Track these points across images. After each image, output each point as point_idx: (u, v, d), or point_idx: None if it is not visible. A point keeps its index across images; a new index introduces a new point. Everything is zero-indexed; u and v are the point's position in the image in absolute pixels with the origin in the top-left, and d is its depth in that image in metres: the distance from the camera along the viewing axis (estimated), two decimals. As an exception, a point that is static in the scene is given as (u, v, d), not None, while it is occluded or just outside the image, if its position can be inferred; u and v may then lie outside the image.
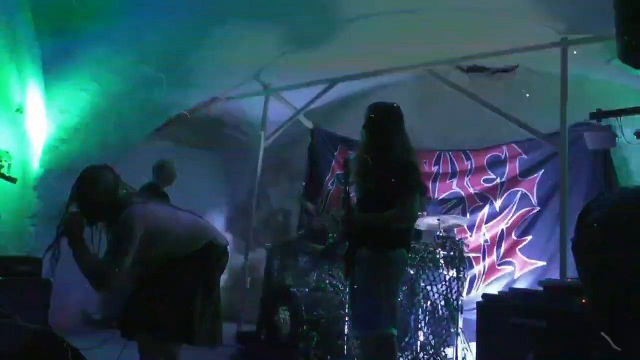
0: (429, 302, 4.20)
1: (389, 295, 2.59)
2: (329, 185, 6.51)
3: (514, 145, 5.43)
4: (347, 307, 4.04)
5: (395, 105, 2.85)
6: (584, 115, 4.66)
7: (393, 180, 2.60)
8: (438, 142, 5.92)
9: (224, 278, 7.60)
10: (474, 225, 5.54)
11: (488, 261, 5.43)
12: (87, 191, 2.45)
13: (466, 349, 4.22)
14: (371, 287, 2.57)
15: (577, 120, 4.76)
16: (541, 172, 5.24)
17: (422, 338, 4.11)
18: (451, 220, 4.86)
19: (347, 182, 2.80)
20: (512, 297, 3.42)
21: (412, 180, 2.62)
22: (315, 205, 6.23)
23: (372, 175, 2.73)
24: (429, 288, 4.23)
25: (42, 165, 4.96)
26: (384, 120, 2.77)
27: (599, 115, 4.54)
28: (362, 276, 2.62)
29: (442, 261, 4.31)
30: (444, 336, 4.19)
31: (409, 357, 4.03)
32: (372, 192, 2.72)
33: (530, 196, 5.30)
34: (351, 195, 2.81)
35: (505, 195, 5.45)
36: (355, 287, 2.67)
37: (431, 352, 4.10)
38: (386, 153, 2.69)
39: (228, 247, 2.77)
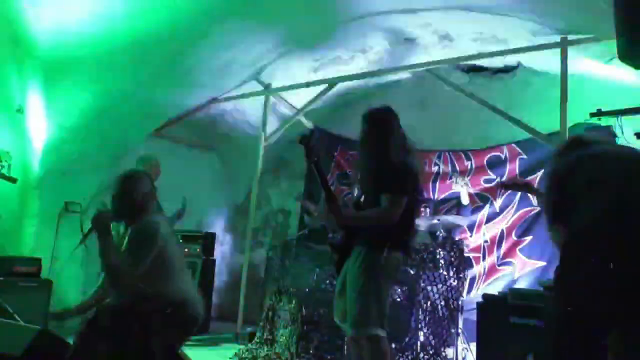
0: (429, 302, 4.21)
1: (379, 296, 2.58)
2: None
3: (514, 145, 5.43)
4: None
5: (387, 107, 2.85)
6: (584, 115, 4.66)
7: (381, 180, 2.61)
8: (438, 142, 5.91)
9: (223, 279, 7.62)
10: (473, 225, 5.53)
11: (488, 261, 5.42)
12: (130, 187, 2.60)
13: (466, 349, 4.23)
14: (361, 287, 2.57)
15: (577, 120, 4.75)
16: (541, 172, 5.23)
17: (422, 338, 4.11)
18: (450, 220, 4.87)
19: (312, 161, 2.64)
20: (512, 297, 3.42)
21: (396, 180, 2.59)
22: (316, 205, 6.22)
23: (367, 176, 2.76)
24: (429, 288, 4.23)
25: (42, 165, 4.96)
26: (378, 125, 2.78)
27: (599, 115, 4.54)
28: (353, 274, 2.61)
29: (442, 261, 4.31)
30: (444, 336, 4.19)
31: (409, 357, 4.03)
32: (367, 193, 2.75)
33: (530, 196, 5.30)
34: (330, 184, 2.81)
35: (505, 195, 5.45)
36: (349, 286, 2.68)
37: (431, 352, 4.10)
38: (381, 154, 2.69)
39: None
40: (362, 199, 2.81)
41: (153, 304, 2.43)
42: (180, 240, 5.88)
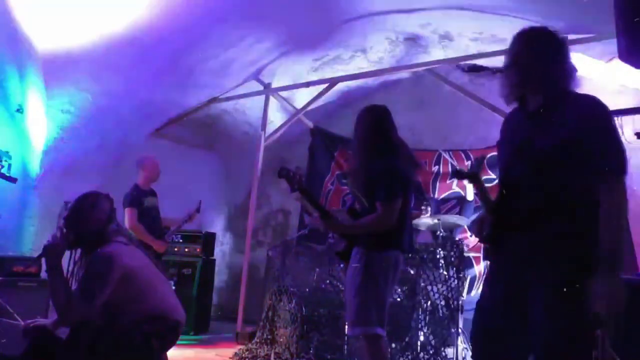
0: (429, 302, 4.21)
1: (378, 295, 2.59)
2: (329, 185, 6.51)
3: (514, 144, 5.42)
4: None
5: (376, 106, 2.84)
6: (584, 115, 4.65)
7: (372, 185, 2.62)
8: (438, 142, 5.91)
9: (223, 279, 7.59)
10: (474, 225, 5.53)
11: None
12: (82, 214, 2.47)
13: (466, 348, 4.22)
14: (361, 286, 2.58)
15: (577, 120, 4.75)
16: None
17: (422, 338, 4.11)
18: (451, 220, 4.86)
19: (296, 190, 2.67)
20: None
21: (387, 186, 2.59)
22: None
23: (358, 180, 2.77)
24: (429, 288, 4.23)
25: (42, 165, 4.97)
26: (361, 125, 2.78)
27: (599, 115, 4.53)
28: (354, 275, 2.63)
29: (442, 261, 4.31)
30: (444, 336, 4.19)
31: (409, 357, 4.03)
32: (359, 195, 2.76)
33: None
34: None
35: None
36: (347, 285, 2.69)
37: (431, 352, 4.10)
38: (368, 157, 2.70)
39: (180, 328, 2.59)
40: (356, 204, 2.82)
41: (131, 317, 2.37)
42: (180, 241, 5.90)
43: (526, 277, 1.68)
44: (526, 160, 1.74)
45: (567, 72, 1.78)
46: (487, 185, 6.14)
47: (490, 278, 1.89)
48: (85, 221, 2.46)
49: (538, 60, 1.77)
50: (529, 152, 1.74)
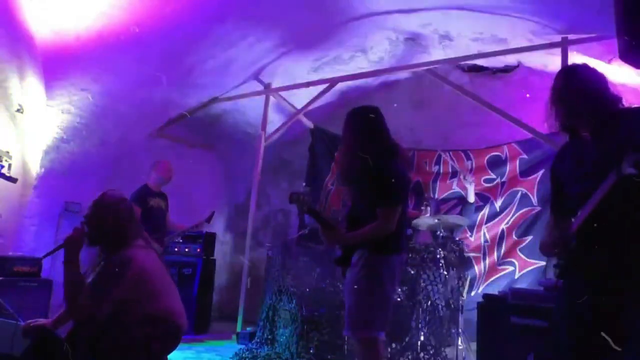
0: (429, 302, 4.21)
1: (384, 298, 2.56)
2: (329, 185, 6.51)
3: (514, 144, 5.43)
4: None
5: (368, 107, 2.76)
6: (584, 115, 4.65)
7: (371, 189, 2.57)
8: (438, 142, 5.91)
9: (224, 278, 7.59)
10: (474, 225, 5.53)
11: (488, 261, 5.43)
12: (105, 212, 2.49)
13: (466, 349, 4.23)
14: (366, 290, 2.54)
15: (577, 120, 4.74)
16: (541, 172, 5.23)
17: (422, 338, 4.11)
18: (451, 220, 4.87)
19: (305, 212, 2.73)
20: (512, 297, 3.42)
21: (389, 192, 2.55)
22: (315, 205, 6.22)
23: (352, 184, 2.73)
24: (429, 288, 4.23)
25: (42, 165, 4.97)
26: (355, 127, 2.71)
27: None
28: (358, 278, 2.58)
29: (442, 261, 4.31)
30: (444, 336, 4.19)
31: (409, 357, 4.03)
32: (356, 201, 2.72)
33: (531, 196, 5.30)
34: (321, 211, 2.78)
35: (505, 195, 5.45)
36: (348, 288, 2.65)
37: (431, 352, 4.10)
38: (361, 161, 2.62)
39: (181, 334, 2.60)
40: (351, 207, 2.78)
41: (135, 317, 2.37)
42: (180, 241, 5.90)
43: (619, 294, 1.75)
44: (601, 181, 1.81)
45: (611, 99, 1.89)
46: (487, 185, 6.17)
47: (575, 298, 1.91)
48: (105, 220, 2.47)
49: (581, 95, 1.88)
50: (602, 174, 1.80)
